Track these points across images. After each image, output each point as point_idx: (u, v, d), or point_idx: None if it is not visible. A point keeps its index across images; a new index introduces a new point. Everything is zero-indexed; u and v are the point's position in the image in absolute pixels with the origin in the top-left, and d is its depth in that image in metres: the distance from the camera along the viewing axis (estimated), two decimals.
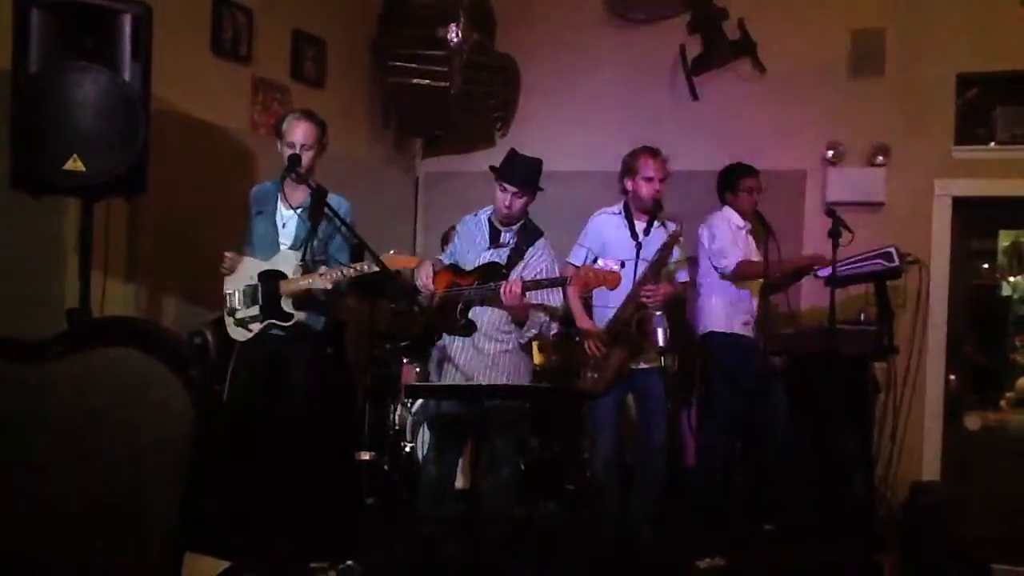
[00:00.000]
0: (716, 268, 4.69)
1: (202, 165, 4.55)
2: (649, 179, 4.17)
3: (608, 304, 4.22)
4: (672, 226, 4.13)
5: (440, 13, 5.92)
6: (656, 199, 4.15)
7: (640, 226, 4.23)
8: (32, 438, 1.56)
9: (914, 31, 5.53)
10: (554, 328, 4.01)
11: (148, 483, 1.61)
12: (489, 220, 3.99)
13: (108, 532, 1.56)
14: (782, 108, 5.77)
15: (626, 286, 3.96)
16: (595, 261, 4.29)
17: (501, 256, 3.89)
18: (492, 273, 3.83)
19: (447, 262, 4.05)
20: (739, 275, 4.65)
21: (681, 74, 5.99)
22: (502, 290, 3.64)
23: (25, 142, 3.17)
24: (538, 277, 3.75)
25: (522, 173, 3.86)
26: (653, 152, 4.23)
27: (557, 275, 3.82)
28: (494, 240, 3.94)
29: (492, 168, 3.90)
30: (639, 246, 4.12)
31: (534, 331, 3.90)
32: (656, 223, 4.17)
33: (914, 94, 5.52)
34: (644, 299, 4.06)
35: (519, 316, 3.80)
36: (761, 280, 4.69)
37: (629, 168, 4.25)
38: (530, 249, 3.89)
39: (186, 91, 4.46)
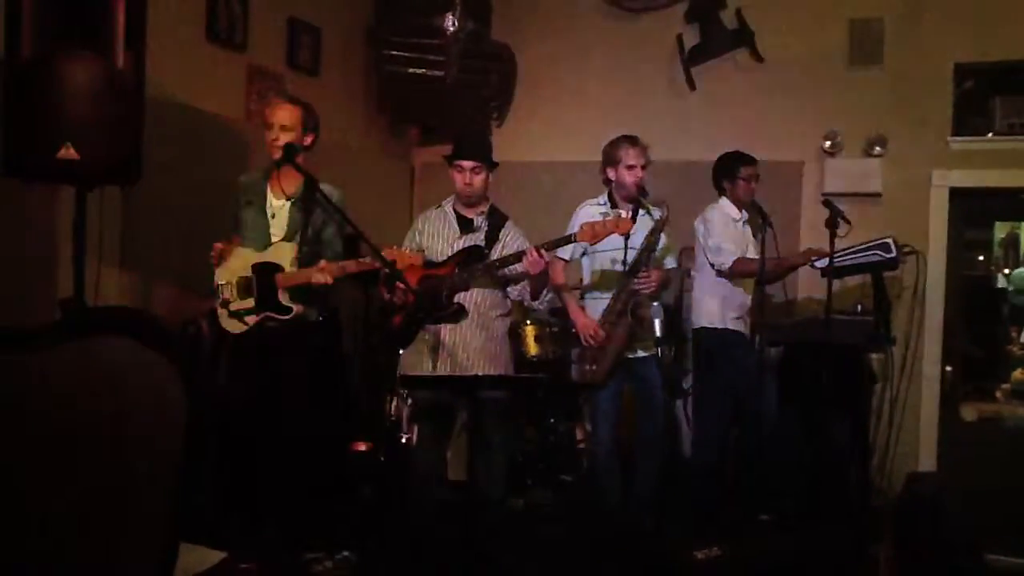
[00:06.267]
0: (712, 265, 4.68)
1: (197, 153, 4.52)
2: (631, 167, 4.18)
3: (602, 295, 4.23)
4: (658, 212, 4.14)
5: (436, 2, 5.89)
6: (640, 186, 4.16)
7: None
8: (25, 427, 1.55)
9: (912, 21, 5.52)
10: (550, 295, 4.11)
11: (141, 472, 1.60)
12: (455, 210, 4.04)
13: (101, 521, 1.55)
14: (780, 98, 5.76)
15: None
16: (583, 254, 4.29)
17: (476, 241, 3.99)
18: (474, 256, 3.91)
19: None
20: (736, 274, 4.65)
21: (678, 64, 5.98)
22: (526, 260, 3.74)
23: (17, 129, 3.14)
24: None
25: (473, 146, 3.98)
26: (632, 140, 4.24)
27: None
28: (466, 227, 4.03)
29: (445, 157, 4.04)
30: (627, 235, 4.12)
31: (549, 296, 4.09)
32: (641, 211, 4.16)
33: (912, 84, 5.51)
34: (638, 286, 4.06)
35: (541, 282, 3.92)
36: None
37: (610, 158, 4.26)
38: (502, 231, 4.03)
39: (181, 79, 4.43)
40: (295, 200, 3.84)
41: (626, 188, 4.19)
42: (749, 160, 4.81)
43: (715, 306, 4.72)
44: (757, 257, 4.59)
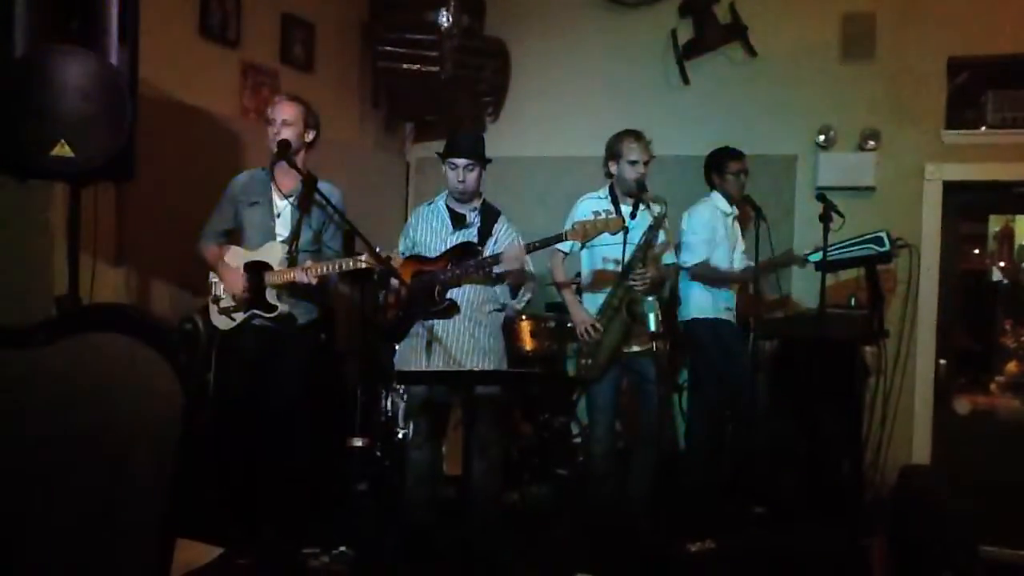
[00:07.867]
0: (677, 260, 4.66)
1: (191, 150, 4.52)
2: (634, 162, 4.17)
3: (599, 291, 4.23)
4: (657, 208, 4.14)
5: None
6: (640, 181, 4.16)
7: (626, 210, 4.22)
8: (19, 424, 1.55)
9: (905, 15, 5.53)
10: (529, 295, 4.10)
11: (138, 469, 1.60)
12: (447, 206, 4.04)
13: (97, 518, 1.55)
14: (773, 92, 5.77)
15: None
16: (583, 248, 4.29)
17: (469, 236, 3.98)
18: (467, 252, 3.92)
19: (405, 253, 4.05)
20: (693, 276, 4.69)
21: (672, 58, 5.98)
22: (505, 257, 3.74)
23: (11, 126, 3.13)
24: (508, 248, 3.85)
25: (467, 143, 3.98)
26: (637, 135, 4.23)
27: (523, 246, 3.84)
28: (459, 222, 4.03)
29: (438, 153, 4.03)
30: (626, 230, 4.12)
31: (528, 296, 4.05)
32: (642, 206, 4.17)
33: (905, 78, 5.52)
34: (634, 282, 4.06)
35: (518, 281, 3.92)
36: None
37: (613, 151, 4.25)
38: (495, 226, 4.02)
39: (174, 75, 4.42)
40: (294, 199, 3.86)
41: (627, 183, 4.19)
42: (737, 155, 4.83)
43: (707, 298, 4.74)
44: (723, 269, 4.66)
